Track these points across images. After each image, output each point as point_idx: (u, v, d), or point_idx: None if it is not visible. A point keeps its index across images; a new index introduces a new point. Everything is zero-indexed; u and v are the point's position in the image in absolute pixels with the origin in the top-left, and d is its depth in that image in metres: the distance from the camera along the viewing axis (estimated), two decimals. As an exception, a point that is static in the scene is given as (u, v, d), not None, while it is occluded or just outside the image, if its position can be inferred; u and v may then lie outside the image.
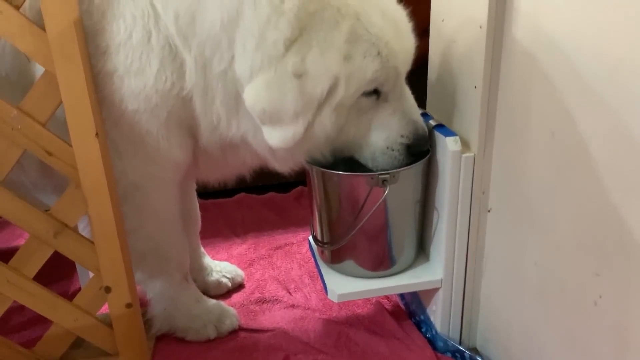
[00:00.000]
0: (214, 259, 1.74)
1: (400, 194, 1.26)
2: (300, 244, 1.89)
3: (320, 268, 1.42)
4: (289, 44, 1.05)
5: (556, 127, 1.03)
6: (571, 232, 1.02)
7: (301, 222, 2.02)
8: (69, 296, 1.70)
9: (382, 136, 1.20)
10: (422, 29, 1.27)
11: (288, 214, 2.09)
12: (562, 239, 1.05)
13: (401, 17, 1.18)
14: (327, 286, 1.34)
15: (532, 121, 1.09)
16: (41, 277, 1.26)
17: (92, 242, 1.24)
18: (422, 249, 1.43)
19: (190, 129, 1.21)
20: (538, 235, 1.12)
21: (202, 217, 1.66)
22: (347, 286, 1.34)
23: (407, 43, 1.18)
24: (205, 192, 1.80)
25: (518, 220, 1.18)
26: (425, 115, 1.34)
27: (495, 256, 1.29)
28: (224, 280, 1.65)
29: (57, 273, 1.71)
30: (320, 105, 1.10)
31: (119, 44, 1.09)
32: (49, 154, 1.16)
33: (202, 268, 1.64)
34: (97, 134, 1.14)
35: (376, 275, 1.36)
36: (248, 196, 2.18)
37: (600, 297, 0.96)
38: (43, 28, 1.06)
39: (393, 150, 1.21)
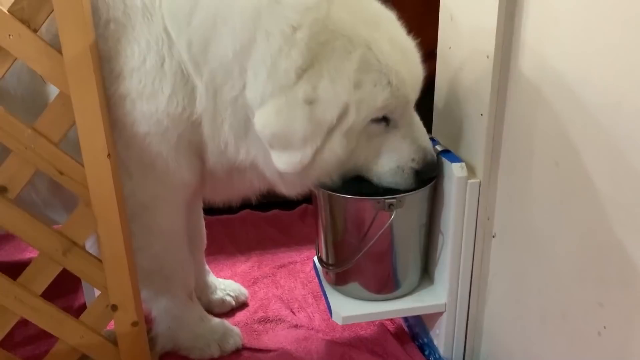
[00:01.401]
0: (217, 277, 1.75)
1: (406, 218, 1.28)
2: (304, 262, 1.90)
3: (325, 289, 1.43)
4: (301, 73, 1.07)
5: (560, 158, 1.04)
6: (574, 262, 1.03)
7: (305, 240, 2.03)
8: (74, 311, 1.73)
9: (393, 159, 1.22)
10: (427, 52, 1.30)
11: (292, 232, 2.10)
12: (565, 267, 1.06)
13: (410, 47, 1.20)
14: (332, 308, 1.35)
15: (537, 150, 1.11)
16: (46, 290, 1.26)
17: (100, 261, 1.25)
18: (426, 273, 1.45)
19: (198, 152, 1.23)
20: (541, 262, 1.13)
21: (207, 233, 1.67)
22: (351, 308, 1.35)
23: (416, 73, 1.20)
24: (211, 209, 1.81)
25: (522, 246, 1.20)
26: (431, 140, 1.36)
27: (499, 281, 1.30)
28: (228, 298, 1.66)
29: (62, 287, 1.71)
30: (330, 131, 1.11)
31: (133, 69, 1.11)
32: (61, 173, 1.17)
33: (206, 286, 1.65)
34: (109, 154, 1.15)
35: (380, 298, 1.37)
36: (252, 213, 2.19)
37: (605, 327, 0.97)
38: (59, 51, 1.08)
39: (403, 170, 1.22)
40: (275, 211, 2.21)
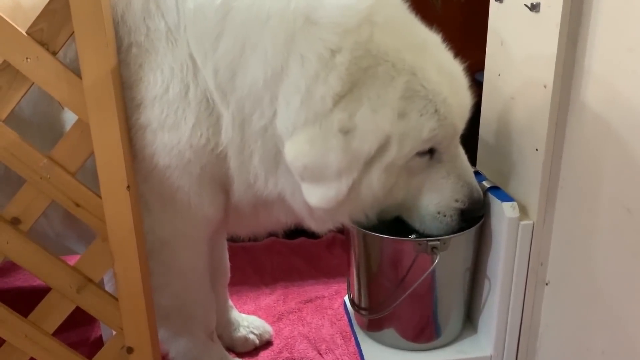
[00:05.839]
0: (241, 310, 1.65)
1: (450, 262, 1.16)
2: (332, 298, 1.78)
3: (356, 334, 1.32)
4: (338, 99, 0.99)
5: (633, 204, 0.92)
6: (650, 325, 0.90)
7: (333, 272, 1.91)
8: (90, 344, 1.65)
9: (434, 200, 1.12)
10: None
11: (319, 262, 1.99)
12: (636, 330, 0.93)
13: (458, 73, 1.10)
14: (365, 357, 1.24)
15: (604, 193, 0.99)
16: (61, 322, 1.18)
17: (116, 299, 1.16)
18: (469, 321, 1.32)
19: (223, 186, 1.15)
20: (606, 320, 1.00)
21: (230, 261, 1.57)
22: (386, 358, 1.23)
23: (464, 100, 1.11)
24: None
25: (581, 298, 1.07)
26: (477, 175, 1.25)
27: (552, 335, 1.17)
28: (252, 336, 1.56)
29: (79, 318, 1.64)
30: (368, 164, 1.03)
31: (155, 97, 1.04)
32: (77, 205, 1.10)
33: (229, 323, 1.56)
34: (128, 186, 1.07)
35: (419, 348, 1.25)
36: (278, 241, 2.09)
37: (688, 405, 0.84)
38: (79, 75, 1.01)
39: (445, 215, 1.12)
40: (301, 239, 2.11)
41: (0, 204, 1.16)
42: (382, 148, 1.02)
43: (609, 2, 0.94)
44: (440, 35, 1.14)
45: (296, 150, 1.01)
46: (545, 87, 1.06)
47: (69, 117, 1.09)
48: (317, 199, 1.04)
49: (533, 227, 1.14)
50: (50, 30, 1.00)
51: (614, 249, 0.97)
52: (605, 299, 1.00)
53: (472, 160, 1.35)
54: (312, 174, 1.02)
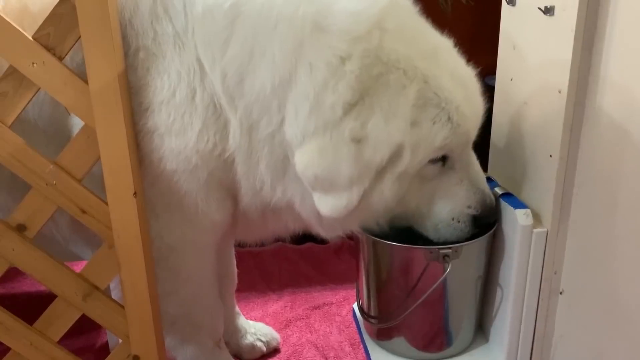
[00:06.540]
0: (248, 316, 1.64)
1: (461, 270, 1.14)
2: (340, 304, 1.76)
3: (366, 343, 1.30)
4: (348, 108, 0.97)
5: (652, 212, 0.90)
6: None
7: (341, 278, 1.89)
8: (96, 350, 1.64)
9: (447, 207, 1.10)
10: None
11: (327, 268, 1.96)
12: (658, 342, 0.90)
13: (471, 80, 1.09)
14: (374, 367, 1.22)
15: (623, 201, 0.96)
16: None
17: (122, 307, 1.15)
18: (480, 329, 1.30)
19: (230, 191, 1.13)
20: (624, 331, 0.98)
21: (237, 266, 1.56)
22: (396, 368, 1.21)
23: (477, 107, 1.09)
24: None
25: (597, 308, 1.04)
26: (489, 181, 1.23)
27: (567, 345, 1.15)
28: (259, 344, 1.54)
29: (85, 323, 1.63)
30: (380, 174, 1.01)
31: (162, 102, 1.03)
32: (83, 211, 1.09)
33: (236, 330, 1.54)
34: (135, 193, 1.06)
35: (430, 357, 1.24)
36: (285, 246, 2.08)
37: None
38: (85, 80, 1.00)
39: (459, 221, 1.10)
40: (309, 244, 2.09)
41: (6, 210, 1.15)
42: (394, 157, 1.00)
43: (626, 5, 0.92)
44: (451, 40, 1.13)
45: (307, 160, 0.99)
46: (559, 92, 1.04)
47: (76, 123, 1.07)
48: (328, 208, 1.02)
49: (547, 235, 1.11)
50: (57, 34, 0.99)
51: (632, 257, 0.95)
52: (623, 309, 0.98)
53: (484, 165, 1.33)
54: (323, 183, 1.01)
